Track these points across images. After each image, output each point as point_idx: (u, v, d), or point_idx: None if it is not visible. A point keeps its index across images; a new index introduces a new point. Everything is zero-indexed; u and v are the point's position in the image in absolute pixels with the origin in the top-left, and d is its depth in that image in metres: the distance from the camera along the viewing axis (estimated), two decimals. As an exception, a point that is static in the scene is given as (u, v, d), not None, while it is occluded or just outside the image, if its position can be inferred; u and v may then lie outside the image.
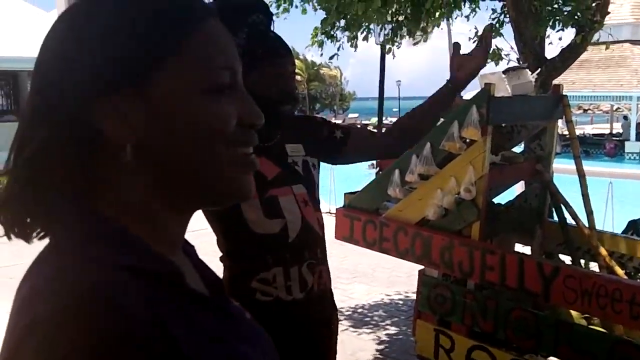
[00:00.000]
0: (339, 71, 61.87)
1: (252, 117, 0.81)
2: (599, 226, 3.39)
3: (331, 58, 5.40)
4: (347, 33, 4.84)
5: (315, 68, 58.14)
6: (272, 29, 2.08)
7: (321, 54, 5.36)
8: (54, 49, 0.75)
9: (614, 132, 31.11)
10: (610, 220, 6.88)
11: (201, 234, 2.11)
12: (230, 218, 2.04)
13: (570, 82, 27.09)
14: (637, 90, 26.42)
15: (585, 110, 55.26)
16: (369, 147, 2.48)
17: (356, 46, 4.94)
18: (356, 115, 47.69)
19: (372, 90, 19.67)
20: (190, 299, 0.74)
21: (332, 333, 2.35)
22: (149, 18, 0.74)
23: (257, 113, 0.82)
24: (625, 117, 29.02)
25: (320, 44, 5.01)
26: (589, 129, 37.21)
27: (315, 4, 4.81)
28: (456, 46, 2.59)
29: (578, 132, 33.71)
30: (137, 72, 0.73)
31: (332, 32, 4.87)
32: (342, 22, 4.77)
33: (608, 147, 27.45)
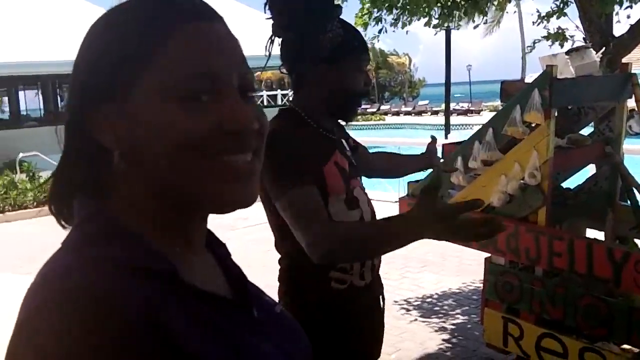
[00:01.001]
0: (408, 58, 61.44)
1: (235, 124, 0.77)
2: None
3: (373, 39, 5.38)
4: (391, 16, 4.79)
5: (383, 56, 57.89)
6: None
7: (365, 35, 5.28)
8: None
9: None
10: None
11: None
12: None
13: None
14: None
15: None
16: (365, 162, 2.48)
17: (396, 26, 4.86)
18: (426, 102, 47.12)
19: (442, 76, 19.45)
20: (193, 295, 0.75)
21: (383, 308, 2.37)
22: (122, 32, 0.77)
23: (242, 119, 0.78)
24: None
25: (364, 25, 4.96)
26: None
27: None
28: (432, 138, 2.72)
29: (657, 110, 32.69)
30: (117, 84, 0.76)
31: (377, 14, 4.82)
32: (387, 4, 4.70)
33: (689, 126, 26.45)
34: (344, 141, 2.25)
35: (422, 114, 42.54)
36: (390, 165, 2.68)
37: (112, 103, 0.77)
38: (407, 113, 44.22)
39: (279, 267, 2.18)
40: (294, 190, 1.90)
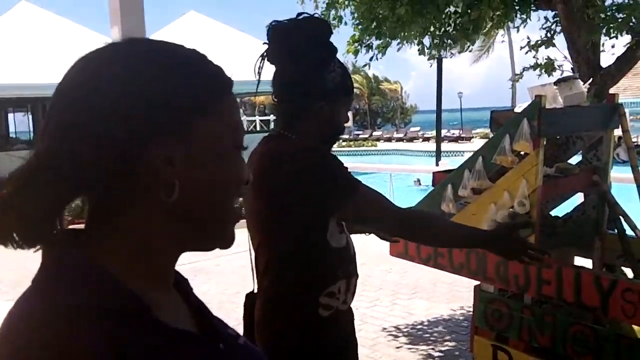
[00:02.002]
0: (400, 85, 61.75)
1: (249, 174, 0.92)
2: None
3: (364, 66, 5.45)
4: (379, 41, 4.85)
5: (376, 83, 58.16)
6: None
7: (355, 62, 5.36)
8: (101, 86, 0.80)
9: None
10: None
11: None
12: (315, 233, 2.08)
13: (637, 88, 26.42)
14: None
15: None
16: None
17: (384, 54, 4.93)
18: (418, 128, 47.31)
19: (434, 103, 19.57)
20: (165, 333, 0.78)
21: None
22: (196, 77, 0.85)
23: (249, 171, 0.93)
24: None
25: (355, 53, 5.03)
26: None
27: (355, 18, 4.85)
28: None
29: (642, 140, 32.74)
30: (181, 121, 0.82)
31: (367, 41, 4.89)
32: (377, 32, 4.77)
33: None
34: None
35: (414, 141, 42.66)
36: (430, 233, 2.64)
37: (172, 137, 0.81)
38: (399, 139, 44.34)
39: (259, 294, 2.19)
40: (361, 186, 2.04)
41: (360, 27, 4.90)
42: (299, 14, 2.09)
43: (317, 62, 2.07)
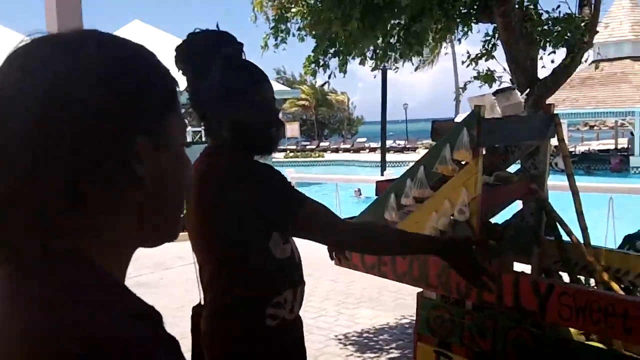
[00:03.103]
0: (347, 96, 62.08)
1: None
2: (602, 241, 3.42)
3: (322, 85, 5.52)
4: (336, 59, 4.90)
5: (323, 94, 58.40)
6: (244, 57, 2.15)
7: (315, 82, 5.44)
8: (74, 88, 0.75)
9: (620, 147, 31.10)
10: (612, 235, 6.90)
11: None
12: (257, 245, 2.07)
13: (574, 99, 27.20)
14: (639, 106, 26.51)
15: (591, 127, 55.20)
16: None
17: (345, 72, 5.00)
18: (364, 139, 47.69)
19: (380, 114, 19.75)
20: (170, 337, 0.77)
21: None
22: (161, 72, 0.85)
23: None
24: (632, 133, 29.02)
25: (313, 73, 5.07)
26: (595, 145, 37.13)
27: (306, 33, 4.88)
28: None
29: (584, 148, 33.53)
30: (155, 118, 0.82)
31: (322, 61, 4.93)
32: (332, 50, 4.83)
33: (613, 163, 27.43)
34: None
35: (361, 151, 42.99)
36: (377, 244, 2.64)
37: (146, 133, 0.81)
38: (346, 150, 44.62)
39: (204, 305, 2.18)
40: (308, 200, 2.04)
41: (316, 47, 4.93)
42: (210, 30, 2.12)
43: (203, 71, 2.07)
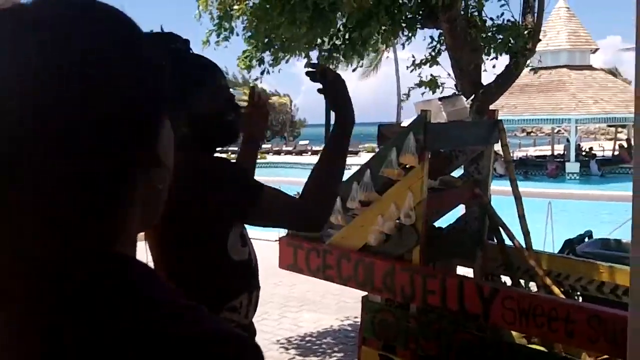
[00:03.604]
0: (289, 98, 62.08)
1: None
2: (541, 245, 3.48)
3: (256, 80, 5.48)
4: (270, 55, 4.88)
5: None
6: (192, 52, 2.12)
7: (249, 76, 5.39)
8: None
9: (556, 153, 31.91)
10: (551, 239, 7.05)
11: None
12: (214, 245, 2.02)
13: (513, 106, 27.76)
14: (575, 113, 27.15)
15: (528, 133, 56.59)
16: None
17: (277, 64, 4.98)
18: (307, 142, 47.70)
19: (323, 117, 19.82)
20: None
21: None
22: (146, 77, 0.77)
23: None
24: (568, 140, 29.82)
25: (248, 68, 5.04)
26: (532, 151, 38.03)
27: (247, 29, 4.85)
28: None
29: (521, 154, 34.28)
30: (156, 127, 0.77)
31: (258, 55, 4.91)
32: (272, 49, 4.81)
33: (550, 168, 28.07)
34: None
35: (303, 154, 42.97)
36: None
37: (148, 148, 0.74)
38: (288, 152, 44.57)
39: None
40: (265, 186, 1.99)
41: (252, 42, 4.90)
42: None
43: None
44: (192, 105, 2.04)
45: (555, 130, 34.65)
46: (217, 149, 2.16)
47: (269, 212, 2.03)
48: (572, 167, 27.88)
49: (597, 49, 31.74)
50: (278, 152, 45.02)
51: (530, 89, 27.77)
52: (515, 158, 31.21)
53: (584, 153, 30.75)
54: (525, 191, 8.41)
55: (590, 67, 30.50)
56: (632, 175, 1.57)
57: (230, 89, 2.25)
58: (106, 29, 0.70)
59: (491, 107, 4.24)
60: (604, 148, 33.69)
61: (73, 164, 0.65)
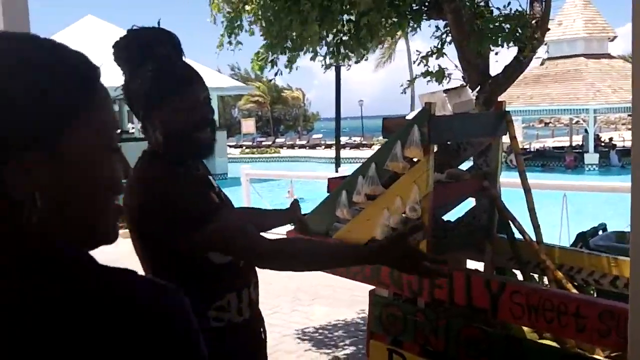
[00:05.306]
0: (302, 93, 62.13)
1: (127, 170, 0.94)
2: (556, 238, 3.42)
3: (270, 81, 5.50)
4: (285, 56, 4.90)
5: (278, 91, 58.28)
6: (182, 58, 2.07)
7: (263, 77, 5.46)
8: None
9: (575, 144, 31.60)
10: (567, 232, 6.97)
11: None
12: (191, 252, 2.01)
13: (529, 96, 27.53)
14: (593, 103, 26.83)
15: (546, 124, 56.17)
16: None
17: (290, 68, 5.00)
18: (320, 135, 47.71)
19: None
20: None
21: (265, 341, 2.37)
22: (63, 76, 0.82)
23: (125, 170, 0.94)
24: (586, 130, 29.49)
25: (261, 69, 5.06)
26: (550, 142, 37.69)
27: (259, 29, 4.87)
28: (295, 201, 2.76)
29: (539, 145, 33.99)
30: (48, 132, 0.79)
31: (271, 57, 4.92)
32: (283, 47, 4.81)
33: (568, 160, 27.84)
34: (210, 177, 2.23)
35: (316, 148, 42.99)
36: (253, 221, 2.51)
37: (34, 154, 0.78)
38: (302, 146, 44.57)
39: None
40: (216, 221, 1.95)
41: (266, 44, 4.91)
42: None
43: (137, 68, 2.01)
44: (161, 116, 2.01)
45: (574, 121, 34.28)
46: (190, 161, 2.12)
47: (212, 246, 2.00)
48: (591, 158, 27.59)
49: (615, 37, 31.16)
50: (292, 147, 45.04)
51: (546, 79, 27.49)
52: (532, 149, 31.01)
53: (603, 144, 30.35)
54: (542, 183, 8.34)
55: (608, 56, 30.00)
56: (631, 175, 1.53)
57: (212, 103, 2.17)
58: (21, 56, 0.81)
59: (502, 97, 4.18)
60: (624, 138, 33.07)
61: None
